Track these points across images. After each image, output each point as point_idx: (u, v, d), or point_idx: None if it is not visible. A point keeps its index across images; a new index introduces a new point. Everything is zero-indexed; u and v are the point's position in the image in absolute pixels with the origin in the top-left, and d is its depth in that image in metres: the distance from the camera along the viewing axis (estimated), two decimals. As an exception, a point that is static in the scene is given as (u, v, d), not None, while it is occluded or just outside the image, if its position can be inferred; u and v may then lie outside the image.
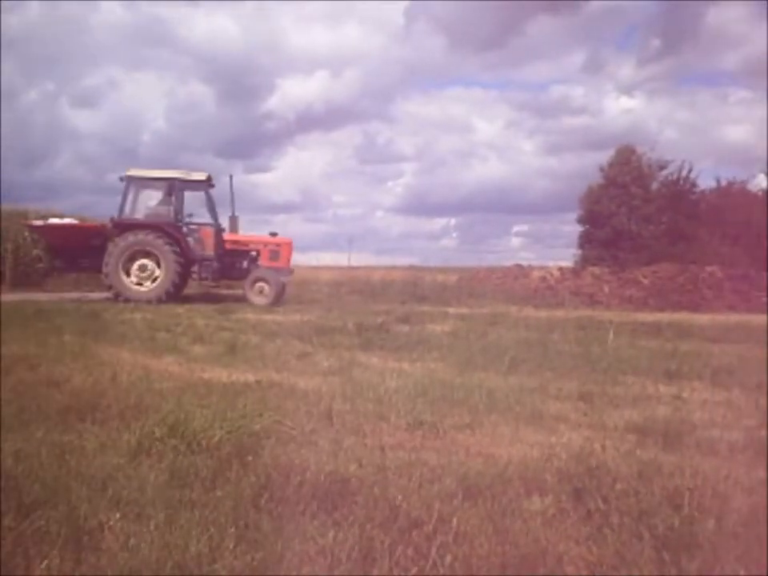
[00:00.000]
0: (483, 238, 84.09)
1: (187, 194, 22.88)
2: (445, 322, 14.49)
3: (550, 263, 35.79)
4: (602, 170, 46.23)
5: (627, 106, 79.71)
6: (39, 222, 23.49)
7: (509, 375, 7.68)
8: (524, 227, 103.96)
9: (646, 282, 28.72)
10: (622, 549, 3.14)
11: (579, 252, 46.31)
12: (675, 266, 29.38)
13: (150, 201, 22.76)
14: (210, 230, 22.51)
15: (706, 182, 50.39)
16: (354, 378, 7.38)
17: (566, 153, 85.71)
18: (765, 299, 26.12)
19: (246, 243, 23.16)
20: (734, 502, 3.65)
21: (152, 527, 3.24)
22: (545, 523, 3.42)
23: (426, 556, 3.04)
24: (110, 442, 4.63)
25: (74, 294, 22.05)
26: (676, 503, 3.57)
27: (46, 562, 2.96)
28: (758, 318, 18.38)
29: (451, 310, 19.01)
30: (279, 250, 23.07)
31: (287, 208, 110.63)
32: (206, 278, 22.75)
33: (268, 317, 15.48)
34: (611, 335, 11.40)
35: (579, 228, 46.86)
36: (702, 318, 18.63)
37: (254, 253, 23.04)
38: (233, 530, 3.23)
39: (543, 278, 31.05)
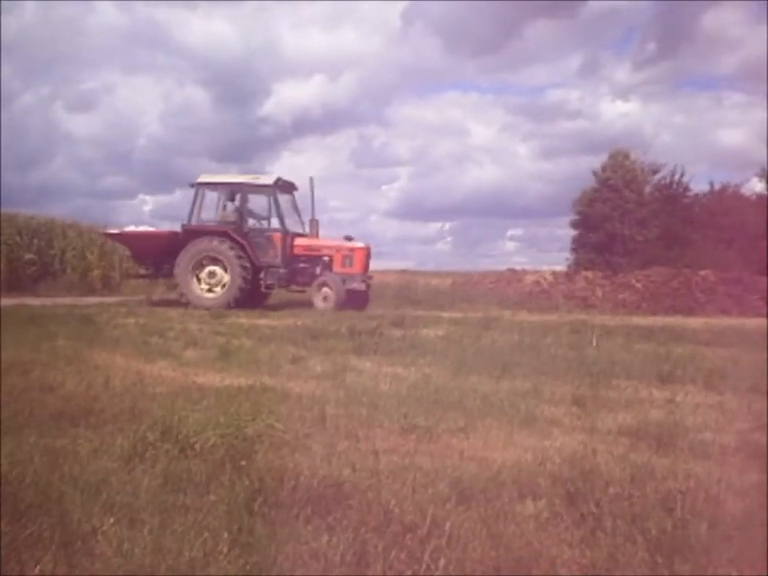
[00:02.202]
0: (478, 242, 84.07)
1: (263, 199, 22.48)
2: (438, 327, 14.49)
3: (544, 267, 35.82)
4: (595, 174, 46.36)
5: (623, 109, 79.81)
6: (115, 230, 23.60)
7: (502, 379, 7.69)
8: (518, 231, 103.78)
9: (639, 285, 28.72)
10: (615, 552, 3.15)
11: (573, 256, 46.43)
12: (668, 269, 29.40)
13: (218, 206, 22.57)
14: (278, 235, 21.91)
15: (701, 186, 50.48)
16: (348, 382, 7.39)
17: (561, 157, 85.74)
18: (761, 302, 26.17)
19: (318, 248, 22.45)
20: (727, 505, 3.66)
21: (145, 532, 3.24)
22: (538, 527, 3.42)
23: (420, 560, 3.04)
24: (103, 447, 4.62)
25: (68, 299, 22.00)
26: (669, 506, 3.58)
27: (39, 566, 2.95)
28: (751, 322, 18.42)
29: (445, 315, 18.99)
30: (353, 255, 22.20)
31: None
32: (272, 285, 22.08)
33: (261, 321, 15.47)
34: (594, 341, 11.40)
35: (573, 232, 47.01)
36: (696, 322, 18.65)
37: (326, 258, 22.20)
38: (226, 534, 3.23)
39: (537, 282, 31.03)
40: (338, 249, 22.26)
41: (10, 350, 8.46)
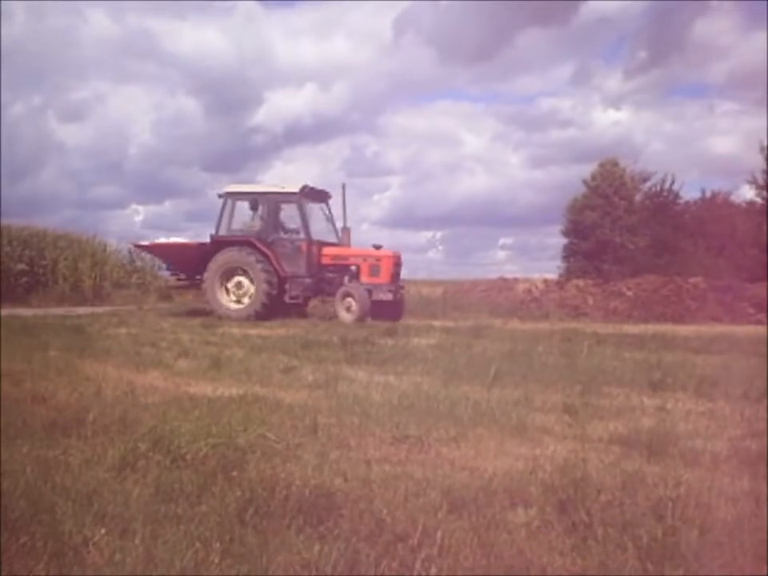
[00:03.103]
0: (469, 251, 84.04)
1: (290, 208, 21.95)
2: (430, 335, 14.50)
3: (536, 275, 35.84)
4: (585, 182, 46.49)
5: (614, 118, 79.96)
6: (145, 243, 23.56)
7: (494, 388, 7.69)
8: (510, 240, 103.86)
9: (630, 293, 28.78)
10: (607, 560, 3.16)
11: (564, 264, 46.52)
12: (659, 277, 29.46)
13: (244, 216, 22.10)
14: (304, 244, 21.26)
15: (691, 194, 50.62)
16: (340, 391, 7.39)
17: (552, 165, 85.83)
18: (751, 310, 26.25)
19: (345, 257, 21.75)
20: (718, 512, 3.68)
21: (137, 542, 3.24)
22: (529, 535, 3.43)
23: (411, 569, 3.05)
24: (94, 457, 4.62)
25: (60, 309, 21.95)
26: (660, 514, 3.59)
27: (30, 577, 2.95)
28: (742, 329, 18.49)
29: (436, 323, 19.02)
30: (380, 264, 21.28)
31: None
32: (297, 296, 21.37)
33: (253, 331, 15.45)
34: (585, 349, 11.42)
35: (564, 240, 47.11)
36: (686, 329, 18.69)
37: (353, 268, 21.46)
38: (218, 544, 3.23)
39: (528, 291, 31.06)
40: (365, 257, 21.54)
41: (1, 360, 8.45)
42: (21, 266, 27.63)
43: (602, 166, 46.27)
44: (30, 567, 3.03)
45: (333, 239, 22.36)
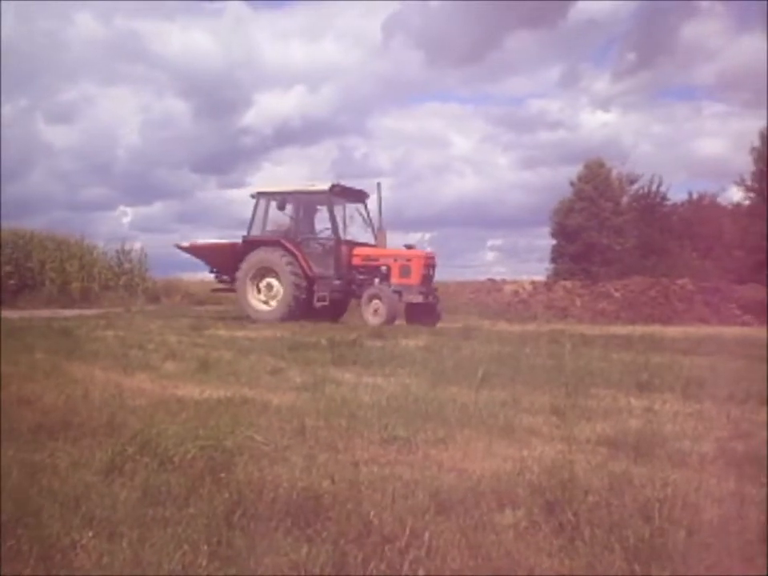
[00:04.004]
0: (458, 253, 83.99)
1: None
2: (418, 337, 14.49)
3: (524, 277, 35.99)
4: (572, 184, 46.68)
5: (603, 119, 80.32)
6: (185, 244, 23.16)
7: (482, 389, 7.69)
8: (498, 241, 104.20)
9: (617, 295, 28.94)
10: (594, 561, 3.17)
11: (552, 266, 46.71)
12: (646, 279, 29.66)
13: (276, 216, 21.76)
14: (332, 244, 20.72)
15: (679, 196, 50.94)
16: (327, 393, 7.38)
17: (541, 167, 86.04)
18: (738, 311, 26.39)
19: (376, 258, 20.92)
20: (704, 513, 3.69)
21: (125, 545, 3.24)
22: (517, 536, 3.44)
23: (399, 571, 3.06)
24: (82, 460, 4.61)
25: (47, 312, 21.87)
26: (647, 515, 3.60)
27: (17, 581, 2.95)
28: (729, 330, 18.58)
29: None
30: (410, 264, 20.43)
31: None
32: (324, 298, 20.48)
33: (240, 333, 15.43)
34: (572, 350, 11.42)
35: (552, 242, 47.30)
36: (674, 331, 18.77)
37: (383, 268, 20.62)
38: (206, 547, 3.23)
39: (516, 292, 31.22)
40: (396, 257, 20.74)
41: (-13, 363, 8.41)
42: (8, 268, 27.55)
43: (587, 167, 46.49)
44: (17, 570, 3.02)
45: (370, 240, 21.75)
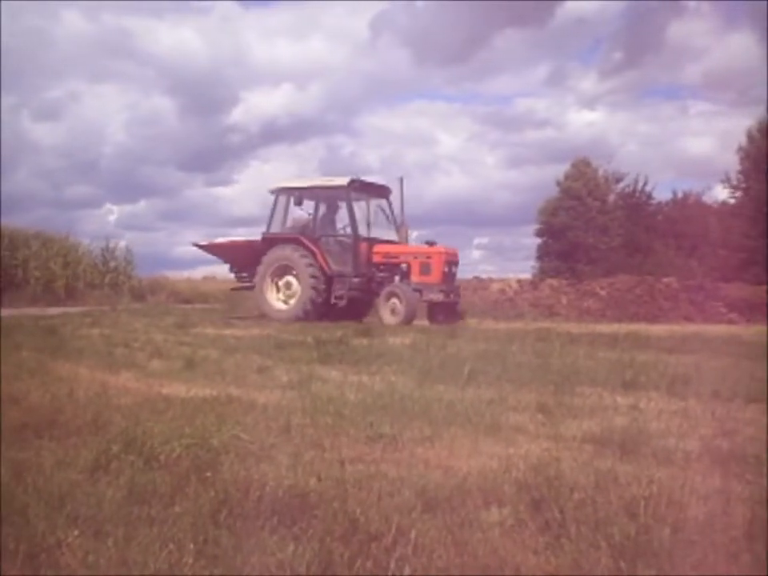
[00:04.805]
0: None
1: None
2: (405, 335, 14.50)
3: (510, 275, 36.02)
4: (558, 183, 46.84)
5: (590, 118, 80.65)
6: (204, 242, 23.05)
7: (468, 387, 7.70)
8: (485, 240, 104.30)
9: (603, 293, 28.98)
10: (580, 558, 3.17)
11: (538, 264, 46.86)
12: (632, 277, 29.71)
13: (295, 213, 21.35)
14: (350, 241, 20.35)
15: (665, 194, 51.20)
16: (314, 391, 7.37)
17: (528, 165, 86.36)
18: (723, 309, 26.49)
19: (396, 255, 20.46)
20: (690, 510, 3.70)
21: (110, 544, 3.22)
22: (503, 534, 3.44)
23: (386, 568, 3.05)
24: (67, 459, 4.59)
25: (32, 310, 21.78)
26: (632, 512, 3.61)
27: (2, 580, 2.93)
28: (714, 328, 18.65)
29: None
30: (430, 262, 19.87)
31: (248, 221, 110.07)
32: (341, 297, 19.99)
33: (227, 331, 15.41)
34: (558, 348, 11.45)
35: (538, 240, 47.44)
36: (659, 329, 18.82)
37: (404, 266, 20.16)
38: (192, 545, 3.21)
39: (502, 291, 31.22)
40: (416, 255, 20.21)
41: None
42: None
43: (574, 166, 46.64)
44: (2, 569, 3.01)
45: (393, 237, 21.25)
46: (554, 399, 7.06)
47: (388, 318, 19.01)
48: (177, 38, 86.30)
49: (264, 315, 20.23)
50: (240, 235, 24.98)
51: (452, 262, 20.58)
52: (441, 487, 4.08)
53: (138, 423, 5.13)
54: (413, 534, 3.31)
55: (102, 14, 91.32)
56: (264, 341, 12.89)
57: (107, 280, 33.96)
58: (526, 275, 40.69)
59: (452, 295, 20.26)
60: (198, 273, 46.45)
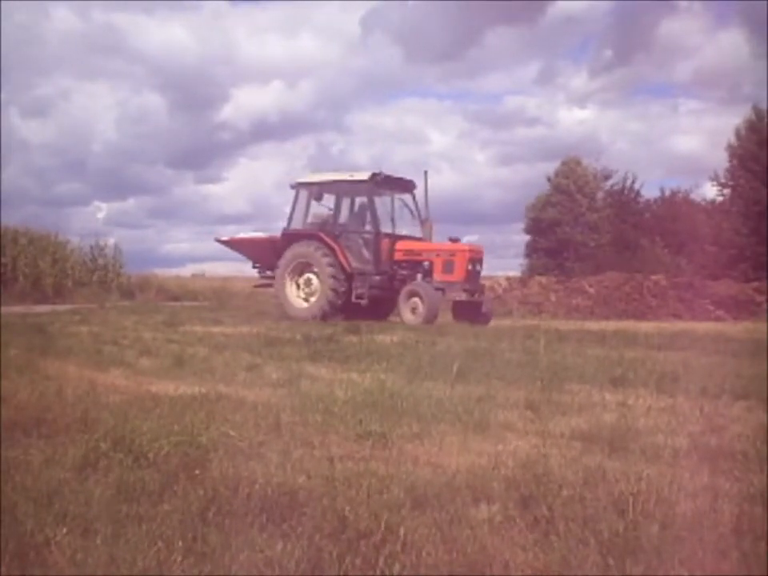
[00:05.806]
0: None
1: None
2: (394, 333, 14.51)
3: (500, 273, 36.07)
4: (549, 180, 46.92)
5: (580, 116, 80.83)
6: (225, 238, 22.58)
7: (457, 385, 7.70)
8: (475, 237, 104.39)
9: (591, 290, 29.06)
10: (568, 555, 3.18)
11: (526, 261, 46.91)
12: (621, 274, 29.78)
13: (316, 208, 20.58)
14: (371, 237, 19.73)
15: (655, 192, 51.30)
16: (303, 389, 7.37)
17: (518, 163, 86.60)
18: (711, 306, 26.60)
19: (418, 252, 19.64)
20: (678, 506, 3.71)
21: (99, 542, 3.22)
22: (492, 531, 3.45)
23: (374, 566, 3.05)
24: (55, 457, 4.57)
25: (20, 308, 21.69)
26: (621, 509, 3.62)
27: (-10, 578, 2.93)
28: (702, 326, 18.70)
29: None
30: (453, 259, 19.06)
31: (238, 219, 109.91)
32: (362, 295, 19.21)
33: (216, 329, 15.39)
34: (543, 343, 11.46)
35: (527, 238, 47.51)
36: (647, 326, 18.86)
37: (426, 264, 19.38)
38: (181, 543, 3.21)
39: (491, 288, 31.21)
40: (439, 252, 19.45)
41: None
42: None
43: (564, 164, 46.72)
44: (-9, 568, 3.00)
45: (418, 233, 20.51)
46: (543, 396, 7.07)
47: (409, 318, 18.40)
48: (167, 36, 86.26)
49: (285, 315, 19.62)
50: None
51: (476, 259, 19.82)
52: (430, 484, 4.09)
53: (126, 421, 5.13)
54: (402, 532, 3.32)
55: (91, 11, 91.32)
56: (253, 338, 12.86)
57: (96, 278, 33.82)
58: (516, 273, 40.81)
59: (477, 294, 19.67)
60: (187, 270, 46.53)
